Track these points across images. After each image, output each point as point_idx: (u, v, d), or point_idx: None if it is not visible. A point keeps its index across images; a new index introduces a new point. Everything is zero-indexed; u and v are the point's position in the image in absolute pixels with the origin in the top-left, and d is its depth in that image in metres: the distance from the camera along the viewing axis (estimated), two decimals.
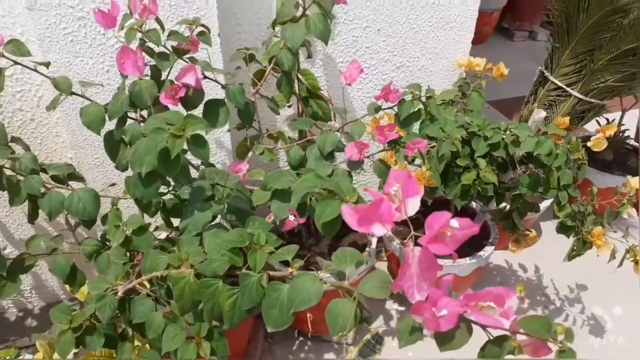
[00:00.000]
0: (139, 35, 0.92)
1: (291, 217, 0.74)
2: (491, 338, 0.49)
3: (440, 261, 1.45)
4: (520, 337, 0.47)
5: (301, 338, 1.55)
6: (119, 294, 0.79)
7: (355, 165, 0.99)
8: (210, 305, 0.65)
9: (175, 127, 0.69)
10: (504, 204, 1.42)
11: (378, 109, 1.04)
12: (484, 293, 0.47)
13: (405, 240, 0.47)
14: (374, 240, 1.43)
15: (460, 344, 0.50)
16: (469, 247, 1.54)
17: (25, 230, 1.42)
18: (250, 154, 1.11)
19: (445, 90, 1.61)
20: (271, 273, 0.62)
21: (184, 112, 0.77)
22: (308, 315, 0.62)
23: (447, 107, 1.50)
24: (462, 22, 1.63)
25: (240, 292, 0.62)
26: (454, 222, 0.45)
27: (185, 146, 0.72)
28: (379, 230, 0.48)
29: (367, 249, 1.44)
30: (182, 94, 0.93)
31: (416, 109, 1.23)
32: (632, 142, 2.06)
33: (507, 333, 0.48)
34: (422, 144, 0.94)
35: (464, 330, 0.48)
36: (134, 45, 0.94)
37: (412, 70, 1.66)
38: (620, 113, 1.93)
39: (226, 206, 0.82)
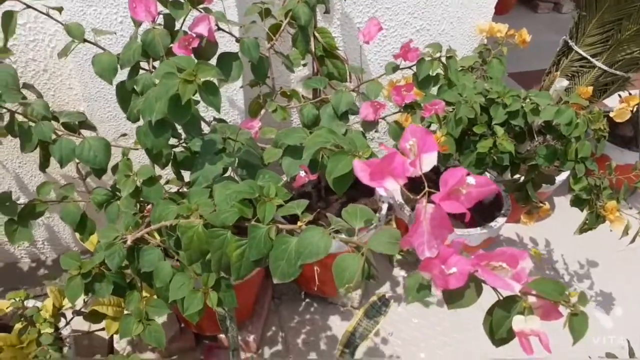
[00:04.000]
0: None
1: (302, 173, 0.73)
2: (501, 299, 0.48)
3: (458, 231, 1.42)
4: (532, 299, 0.46)
5: (307, 299, 1.56)
6: (128, 242, 0.79)
7: (369, 125, 0.97)
8: (218, 255, 0.65)
9: (187, 72, 0.67)
10: (518, 175, 1.40)
11: (396, 68, 1.02)
12: (496, 253, 0.45)
13: (418, 198, 0.46)
14: (385, 207, 1.42)
15: (468, 303, 0.49)
16: (480, 217, 1.53)
17: (38, 181, 1.44)
18: (262, 111, 1.10)
19: (465, 56, 1.57)
20: (280, 226, 0.62)
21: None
22: (315, 268, 0.62)
23: (466, 73, 1.47)
24: None
25: (249, 243, 0.62)
26: (471, 179, 0.44)
27: (197, 96, 0.70)
28: (392, 184, 0.46)
29: (377, 214, 1.43)
30: (195, 44, 0.91)
31: (435, 73, 1.20)
32: None
33: (518, 294, 0.47)
34: (440, 106, 0.92)
35: (473, 290, 0.47)
36: None
37: (432, 34, 1.61)
38: None
39: (237, 160, 0.81)
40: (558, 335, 0.52)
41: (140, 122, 0.94)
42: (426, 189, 0.48)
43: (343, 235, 0.57)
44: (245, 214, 0.64)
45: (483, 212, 1.56)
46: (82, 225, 0.90)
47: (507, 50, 1.51)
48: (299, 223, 0.60)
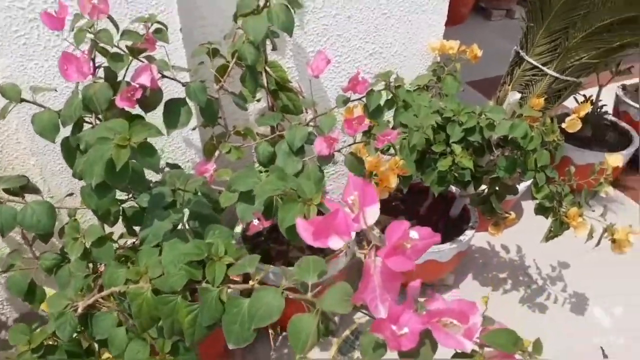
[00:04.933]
0: (90, 35, 0.87)
1: (255, 221, 0.70)
2: (457, 352, 0.46)
3: None
4: (487, 350, 0.45)
5: (284, 333, 1.53)
6: (79, 310, 0.76)
7: (325, 160, 0.96)
8: (169, 322, 0.62)
9: (120, 136, 0.64)
10: (483, 187, 1.40)
11: (347, 100, 1.01)
12: (446, 310, 0.44)
13: (366, 251, 0.44)
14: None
15: None
16: (449, 232, 1.53)
17: None
18: (217, 152, 1.07)
19: (419, 75, 1.58)
20: (232, 286, 0.59)
21: (142, 114, 0.73)
22: (270, 332, 0.59)
23: (421, 92, 1.47)
24: (435, 5, 1.59)
25: (200, 307, 0.59)
26: (414, 233, 0.42)
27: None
28: (336, 243, 0.45)
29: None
30: (138, 95, 0.89)
31: (388, 98, 1.20)
32: (610, 117, 2.05)
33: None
34: (392, 136, 0.91)
35: (428, 347, 0.45)
36: (85, 46, 0.90)
37: (386, 56, 1.62)
38: (597, 89, 1.92)
39: (188, 213, 0.78)
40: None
41: None
42: (373, 242, 0.46)
43: (295, 293, 0.55)
44: (195, 277, 0.61)
45: (451, 226, 1.56)
46: (31, 294, 0.86)
47: (460, 66, 1.53)
48: (250, 282, 0.58)
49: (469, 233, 1.48)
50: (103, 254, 0.82)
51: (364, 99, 1.05)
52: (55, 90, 1.07)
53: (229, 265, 0.61)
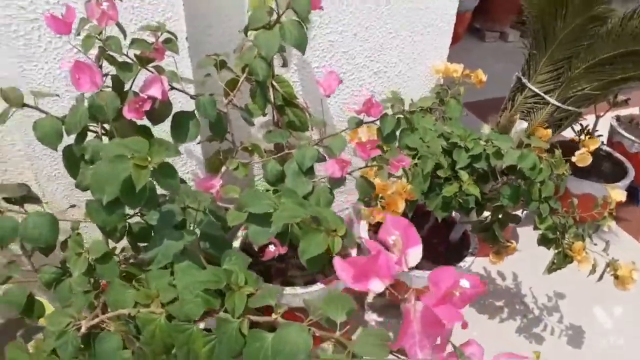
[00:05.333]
0: (98, 42, 0.84)
1: (271, 247, 0.68)
2: None
3: (415, 272, 1.40)
4: None
5: None
6: (83, 330, 0.72)
7: (337, 183, 0.94)
8: (184, 351, 0.58)
9: (139, 156, 0.61)
10: (485, 214, 1.39)
11: (360, 122, 0.99)
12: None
13: (406, 296, 0.42)
14: (354, 253, 1.38)
15: None
16: (448, 257, 1.51)
17: None
18: (223, 168, 1.04)
19: (423, 97, 1.58)
20: (253, 318, 0.56)
21: (148, 125, 0.70)
22: None
23: (425, 114, 1.46)
24: (440, 27, 1.59)
25: (218, 339, 0.56)
26: (464, 282, 0.40)
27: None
28: (377, 286, 0.42)
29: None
30: (147, 107, 0.86)
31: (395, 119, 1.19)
32: (604, 147, 2.07)
33: None
34: (406, 162, 0.89)
35: None
36: (92, 53, 0.86)
37: (390, 76, 1.61)
38: (593, 119, 1.94)
39: (199, 233, 0.75)
40: None
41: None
42: (412, 287, 0.44)
43: (324, 331, 0.52)
44: (213, 305, 0.58)
45: (451, 252, 1.55)
46: (29, 309, 0.81)
47: (464, 90, 1.53)
48: (273, 315, 0.55)
49: (469, 259, 1.47)
50: (107, 271, 0.78)
51: (376, 123, 1.04)
52: (58, 96, 1.03)
53: (249, 295, 0.58)
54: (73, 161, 0.90)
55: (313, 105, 1.44)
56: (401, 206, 1.14)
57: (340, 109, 1.58)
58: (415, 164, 1.09)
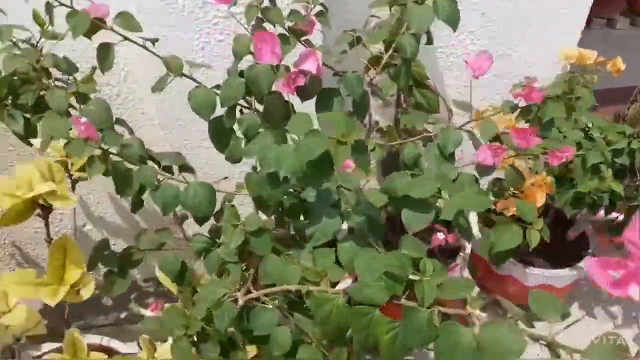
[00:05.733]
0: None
1: (439, 235, 0.65)
2: None
3: (537, 270, 1.32)
4: None
5: None
6: (240, 302, 0.72)
7: (485, 170, 0.89)
8: (363, 335, 0.57)
9: (340, 132, 0.59)
10: (614, 215, 1.30)
11: (515, 107, 0.93)
12: None
13: None
14: (468, 246, 1.32)
15: None
16: (566, 257, 1.43)
17: (105, 208, 1.38)
18: None
19: (552, 84, 1.48)
20: (444, 310, 0.53)
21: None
22: None
23: (555, 102, 1.37)
24: (576, 10, 1.48)
25: (403, 326, 0.54)
26: None
27: None
28: (636, 293, 0.38)
29: (460, 254, 1.34)
30: (301, 82, 0.84)
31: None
32: None
33: None
34: (570, 152, 0.83)
35: None
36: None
37: (514, 59, 1.52)
38: None
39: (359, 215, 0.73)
40: None
41: (242, 165, 0.87)
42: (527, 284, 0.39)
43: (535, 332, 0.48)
44: (397, 292, 0.56)
45: (567, 251, 1.46)
46: (181, 276, 0.83)
47: (597, 78, 1.42)
48: (467, 308, 0.52)
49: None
50: (261, 244, 0.77)
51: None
52: (210, 67, 1.04)
53: (438, 286, 0.55)
54: (221, 133, 0.90)
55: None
56: (541, 199, 1.07)
57: (459, 93, 1.52)
58: (577, 156, 1.02)
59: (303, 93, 0.88)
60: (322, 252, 0.66)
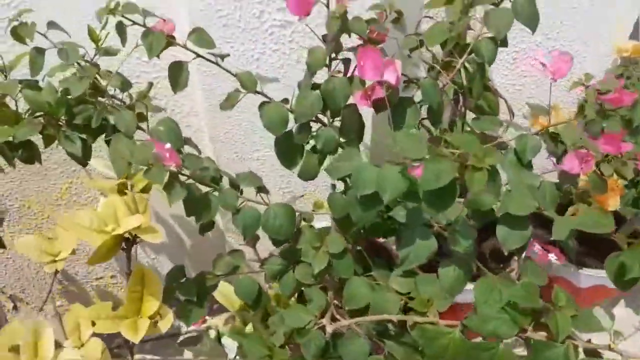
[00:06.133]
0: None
1: (552, 258, 0.61)
2: None
3: (590, 271, 1.27)
4: None
5: None
6: (328, 331, 0.69)
7: (569, 178, 0.84)
8: None
9: (475, 156, 0.55)
10: None
11: (601, 109, 0.88)
12: None
13: None
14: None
15: None
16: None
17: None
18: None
19: (605, 79, 1.42)
20: (579, 343, 0.50)
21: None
22: None
23: None
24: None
25: None
26: None
27: None
28: None
29: (514, 257, 1.29)
30: (380, 94, 0.80)
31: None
32: None
33: None
34: None
35: None
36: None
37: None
38: None
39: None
40: None
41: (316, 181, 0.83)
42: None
43: None
44: (524, 324, 0.52)
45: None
46: (257, 301, 0.80)
47: None
48: (611, 344, 0.48)
49: None
50: (343, 267, 0.74)
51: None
52: (278, 81, 1.00)
53: (573, 318, 0.51)
54: (288, 149, 0.86)
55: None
56: (614, 204, 1.02)
57: (508, 92, 1.46)
58: None
59: (380, 105, 0.84)
60: (425, 279, 0.63)
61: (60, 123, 0.88)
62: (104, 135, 0.89)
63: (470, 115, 1.13)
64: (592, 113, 0.87)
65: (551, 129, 0.95)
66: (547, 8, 1.32)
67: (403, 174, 0.58)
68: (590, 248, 1.24)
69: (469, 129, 1.10)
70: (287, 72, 1.12)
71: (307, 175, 0.82)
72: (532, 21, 0.88)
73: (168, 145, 0.65)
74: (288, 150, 0.86)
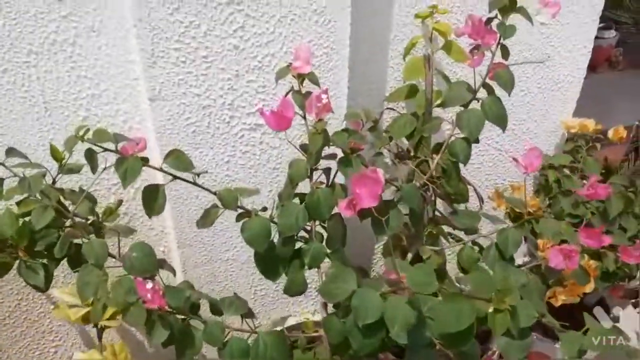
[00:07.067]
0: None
1: None
2: None
3: None
4: None
5: None
6: None
7: (553, 274, 0.85)
8: None
9: (497, 298, 0.53)
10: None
11: (578, 204, 0.90)
12: None
13: None
14: None
15: None
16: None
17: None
18: (409, 256, 0.96)
19: (557, 155, 1.50)
20: None
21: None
22: None
23: (570, 176, 1.38)
24: (571, 82, 1.53)
25: None
26: None
27: None
28: None
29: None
30: (366, 205, 0.78)
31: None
32: None
33: None
34: None
35: None
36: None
37: (517, 133, 1.54)
38: None
39: None
40: None
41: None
42: None
43: None
44: None
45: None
46: None
47: (600, 146, 1.45)
48: None
49: None
50: None
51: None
52: (259, 193, 0.96)
53: None
54: (270, 261, 0.82)
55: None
56: (589, 286, 1.03)
57: (472, 176, 1.50)
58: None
59: (364, 212, 0.82)
60: None
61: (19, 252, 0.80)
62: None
63: (439, 202, 1.14)
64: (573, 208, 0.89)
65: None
66: (499, 92, 1.40)
67: (411, 305, 0.55)
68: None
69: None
70: (257, 172, 1.10)
71: (294, 291, 0.78)
72: (501, 121, 0.91)
73: (150, 285, 0.59)
74: (270, 262, 0.82)
